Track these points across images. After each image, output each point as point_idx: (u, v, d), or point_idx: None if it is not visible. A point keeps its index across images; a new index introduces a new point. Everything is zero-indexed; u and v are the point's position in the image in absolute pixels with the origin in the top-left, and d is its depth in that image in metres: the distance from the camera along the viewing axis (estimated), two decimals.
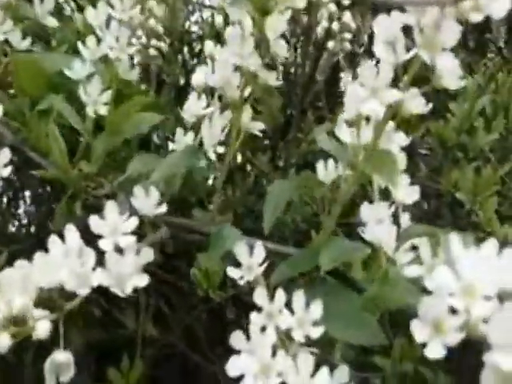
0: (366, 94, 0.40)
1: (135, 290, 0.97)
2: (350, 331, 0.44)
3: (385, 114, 0.42)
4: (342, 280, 0.47)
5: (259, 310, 0.44)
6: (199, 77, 0.55)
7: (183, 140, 0.55)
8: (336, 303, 0.44)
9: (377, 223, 0.50)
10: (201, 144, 0.51)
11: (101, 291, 0.41)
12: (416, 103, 0.41)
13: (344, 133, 0.47)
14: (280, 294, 0.44)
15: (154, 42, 0.66)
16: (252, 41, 0.48)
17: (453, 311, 0.38)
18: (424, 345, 0.33)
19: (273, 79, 0.50)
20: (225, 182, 0.49)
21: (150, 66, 0.76)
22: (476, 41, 1.10)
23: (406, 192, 0.51)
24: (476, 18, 0.36)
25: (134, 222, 0.44)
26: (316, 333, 0.42)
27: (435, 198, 1.00)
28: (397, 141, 0.45)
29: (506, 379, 0.29)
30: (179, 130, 0.55)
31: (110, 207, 0.45)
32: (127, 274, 0.43)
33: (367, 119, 0.45)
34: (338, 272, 0.47)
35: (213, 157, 0.51)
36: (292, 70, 0.97)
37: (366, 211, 0.50)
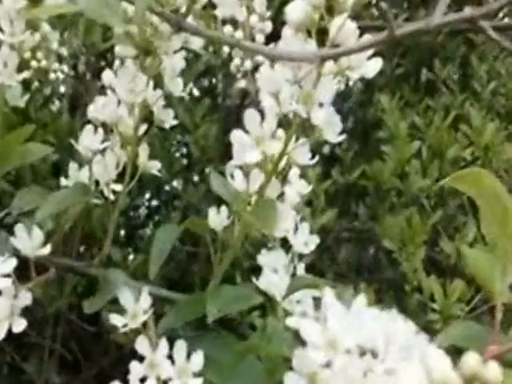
0: (251, 143, 0.40)
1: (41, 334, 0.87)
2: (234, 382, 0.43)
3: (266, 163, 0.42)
4: (231, 329, 0.46)
5: (141, 359, 0.43)
6: (96, 108, 0.49)
7: (77, 175, 0.50)
8: (222, 353, 0.43)
9: (272, 271, 0.49)
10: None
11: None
12: (300, 154, 0.41)
13: (237, 179, 0.46)
14: (163, 344, 0.43)
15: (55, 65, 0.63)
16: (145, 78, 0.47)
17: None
18: None
19: (169, 117, 0.49)
20: None
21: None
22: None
23: (305, 241, 0.50)
24: (353, 75, 0.36)
25: (11, 263, 0.42)
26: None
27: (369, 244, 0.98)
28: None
29: None
30: (72, 165, 0.51)
31: None
32: (2, 317, 0.41)
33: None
34: (228, 321, 0.46)
35: (110, 195, 0.50)
36: None
37: (263, 258, 0.50)
